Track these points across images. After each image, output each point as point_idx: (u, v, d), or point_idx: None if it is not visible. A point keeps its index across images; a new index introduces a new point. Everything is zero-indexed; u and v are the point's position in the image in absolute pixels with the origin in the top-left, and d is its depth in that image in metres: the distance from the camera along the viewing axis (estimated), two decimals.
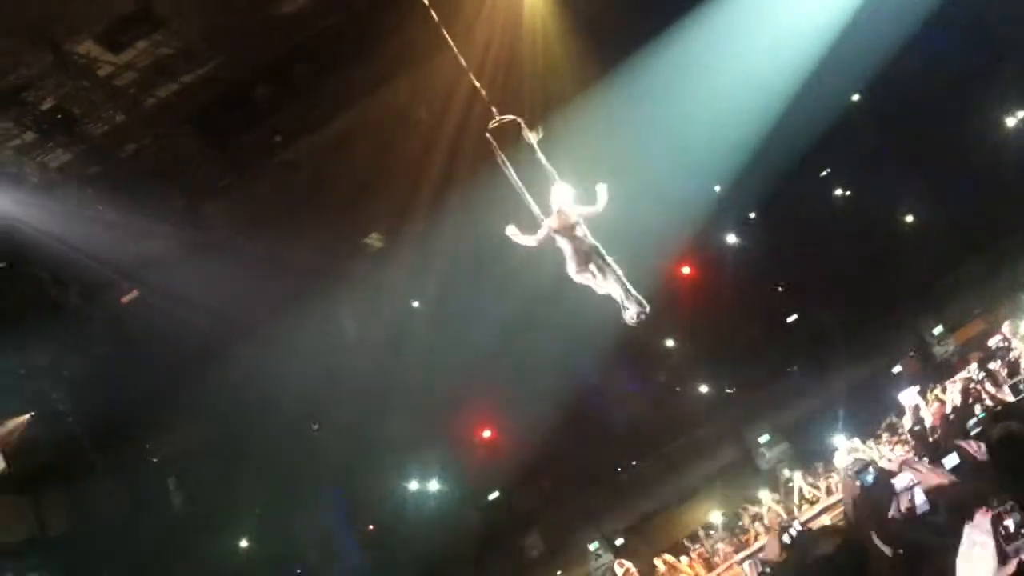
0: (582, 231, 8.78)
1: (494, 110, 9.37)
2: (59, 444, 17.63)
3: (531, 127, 9.55)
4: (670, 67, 18.31)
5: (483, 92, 9.94)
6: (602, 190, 8.84)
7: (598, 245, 8.81)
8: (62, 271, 15.73)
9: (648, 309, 8.50)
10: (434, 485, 21.96)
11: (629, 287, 8.49)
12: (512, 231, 8.82)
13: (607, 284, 8.75)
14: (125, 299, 17.31)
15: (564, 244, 8.80)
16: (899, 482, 6.68)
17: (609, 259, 8.71)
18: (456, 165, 17.71)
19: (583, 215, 8.77)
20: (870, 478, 6.88)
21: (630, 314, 8.63)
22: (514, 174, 9.15)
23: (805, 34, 18.95)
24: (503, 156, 9.07)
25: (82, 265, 15.51)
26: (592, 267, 8.77)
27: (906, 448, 12.95)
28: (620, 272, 8.57)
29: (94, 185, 15.46)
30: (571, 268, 8.81)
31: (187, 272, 16.62)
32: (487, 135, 9.20)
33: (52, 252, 14.98)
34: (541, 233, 8.82)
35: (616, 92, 18.48)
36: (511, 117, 9.33)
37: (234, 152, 16.80)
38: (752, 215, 22.79)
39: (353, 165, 17.82)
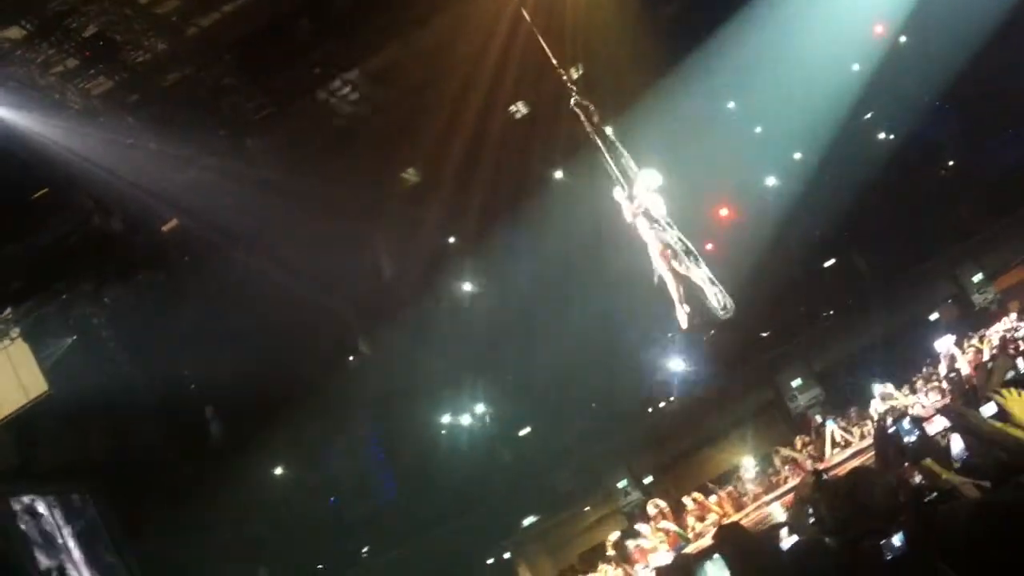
0: (662, 220, 8.82)
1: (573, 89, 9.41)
2: (100, 369, 17.95)
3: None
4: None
5: (564, 76, 9.93)
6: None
7: (682, 238, 8.83)
8: (105, 198, 15.87)
9: (731, 309, 8.56)
10: (467, 419, 22.16)
11: (713, 283, 8.53)
12: (621, 196, 8.90)
13: (688, 279, 8.80)
14: (166, 227, 17.48)
15: (644, 231, 8.87)
16: (932, 428, 6.69)
17: (693, 255, 8.75)
18: (496, 104, 17.68)
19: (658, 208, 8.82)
20: (907, 425, 6.85)
21: (686, 317, 8.69)
22: (603, 146, 9.22)
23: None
24: (597, 123, 9.11)
25: (124, 193, 15.62)
26: (670, 261, 8.81)
27: (941, 395, 12.94)
28: (703, 271, 8.60)
29: (135, 113, 15.52)
30: (653, 258, 8.86)
31: (227, 203, 16.72)
32: (573, 107, 9.26)
33: (95, 179, 15.12)
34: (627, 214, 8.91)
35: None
36: (585, 103, 9.38)
37: (275, 85, 16.78)
38: (797, 155, 22.53)
39: (393, 101, 17.79)
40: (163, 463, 18.81)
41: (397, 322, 20.10)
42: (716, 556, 3.67)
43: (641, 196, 8.95)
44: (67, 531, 17.33)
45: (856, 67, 21.25)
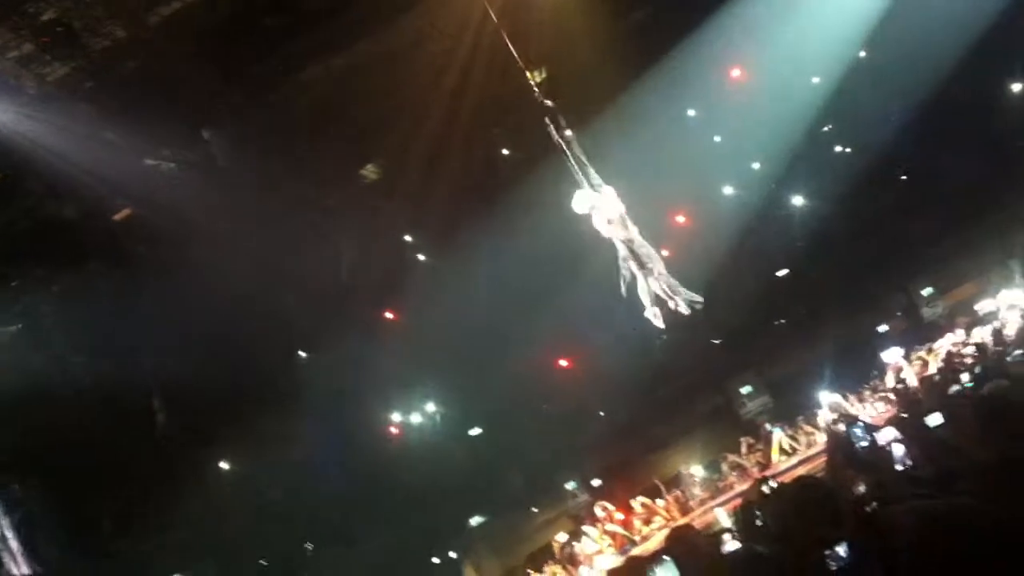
0: (631, 230, 8.97)
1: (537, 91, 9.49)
2: (47, 358, 17.69)
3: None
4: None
5: (532, 82, 10.01)
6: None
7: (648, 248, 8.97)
8: (58, 185, 15.65)
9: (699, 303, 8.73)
10: (417, 418, 22.13)
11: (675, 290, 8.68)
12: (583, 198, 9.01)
13: (651, 284, 8.94)
14: (119, 216, 17.27)
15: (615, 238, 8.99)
16: (882, 437, 6.81)
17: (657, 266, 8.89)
18: (462, 104, 17.69)
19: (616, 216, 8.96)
20: (859, 431, 6.98)
21: (656, 318, 8.85)
22: (570, 152, 9.32)
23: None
24: (564, 136, 9.20)
25: (78, 180, 15.40)
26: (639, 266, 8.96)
27: (887, 406, 13.16)
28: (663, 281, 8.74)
29: (92, 100, 15.31)
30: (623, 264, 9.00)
31: (183, 194, 16.57)
32: (546, 120, 9.35)
33: (48, 165, 14.88)
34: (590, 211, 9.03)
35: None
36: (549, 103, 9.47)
37: (237, 77, 16.66)
38: (755, 165, 22.78)
39: (357, 99, 17.71)
40: (108, 455, 18.54)
41: (352, 320, 20.01)
42: (666, 559, 3.70)
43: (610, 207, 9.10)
44: (5, 522, 17.05)
45: (816, 80, 21.50)
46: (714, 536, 6.93)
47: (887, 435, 6.78)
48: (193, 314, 17.75)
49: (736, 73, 21.66)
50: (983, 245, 21.03)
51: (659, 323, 9.17)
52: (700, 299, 9.04)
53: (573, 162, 9.64)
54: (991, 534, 3.98)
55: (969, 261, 21.45)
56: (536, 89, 9.85)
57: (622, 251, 9.20)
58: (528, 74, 10.15)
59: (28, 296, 17.32)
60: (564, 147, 9.64)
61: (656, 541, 12.54)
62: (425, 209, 20.65)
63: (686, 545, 5.25)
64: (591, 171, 9.58)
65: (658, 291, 9.12)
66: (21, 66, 14.31)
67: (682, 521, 14.17)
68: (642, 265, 9.13)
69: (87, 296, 17.34)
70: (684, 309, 9.06)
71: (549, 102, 9.72)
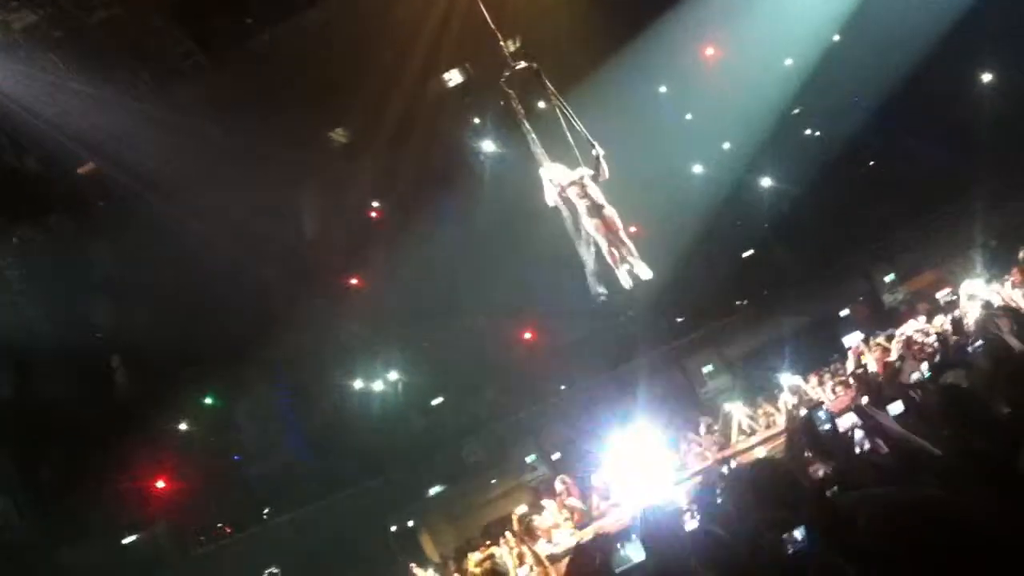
0: (592, 191, 8.94)
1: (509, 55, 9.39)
2: (5, 310, 17.47)
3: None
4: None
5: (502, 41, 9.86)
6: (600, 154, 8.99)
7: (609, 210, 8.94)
8: (21, 136, 15.40)
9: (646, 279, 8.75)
10: (379, 385, 22.08)
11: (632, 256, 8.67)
12: (546, 171, 8.97)
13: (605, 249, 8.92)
14: (83, 170, 17.02)
15: (576, 199, 8.96)
16: (843, 423, 6.86)
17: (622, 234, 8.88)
18: (431, 70, 17.55)
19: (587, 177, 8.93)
20: (822, 415, 7.03)
21: (597, 288, 8.85)
22: (528, 127, 9.25)
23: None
24: (520, 110, 9.13)
25: (41, 132, 15.17)
26: (597, 227, 8.92)
27: (847, 390, 13.25)
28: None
29: (59, 50, 15.02)
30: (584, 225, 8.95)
31: (148, 150, 16.36)
32: (502, 84, 9.26)
33: (11, 115, 14.66)
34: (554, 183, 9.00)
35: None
36: (525, 64, 9.39)
37: (205, 32, 16.40)
38: (725, 145, 22.84)
39: (326, 59, 17.50)
40: (63, 410, 18.38)
41: (316, 285, 19.89)
42: (633, 537, 3.70)
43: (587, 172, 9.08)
44: None
45: (789, 62, 21.54)
46: (675, 514, 6.93)
47: (848, 421, 6.82)
48: (153, 273, 17.60)
49: (710, 52, 21.64)
50: (946, 234, 21.20)
51: (600, 289, 9.18)
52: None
53: (533, 136, 9.59)
54: (954, 524, 4.01)
55: (931, 249, 21.64)
56: (508, 55, 9.73)
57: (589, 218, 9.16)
58: (501, 41, 10.01)
59: None
60: (526, 124, 9.59)
61: (615, 517, 12.59)
62: (391, 176, 20.53)
63: (652, 523, 5.27)
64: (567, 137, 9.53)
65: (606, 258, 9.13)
66: None
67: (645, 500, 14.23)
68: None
69: (48, 249, 17.13)
70: (627, 282, 9.08)
71: (524, 63, 9.62)
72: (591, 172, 9.28)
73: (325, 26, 16.98)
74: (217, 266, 18.13)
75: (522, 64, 9.49)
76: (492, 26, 10.11)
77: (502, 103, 9.69)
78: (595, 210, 9.09)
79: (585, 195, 9.13)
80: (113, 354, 19.93)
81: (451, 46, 16.60)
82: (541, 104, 10.33)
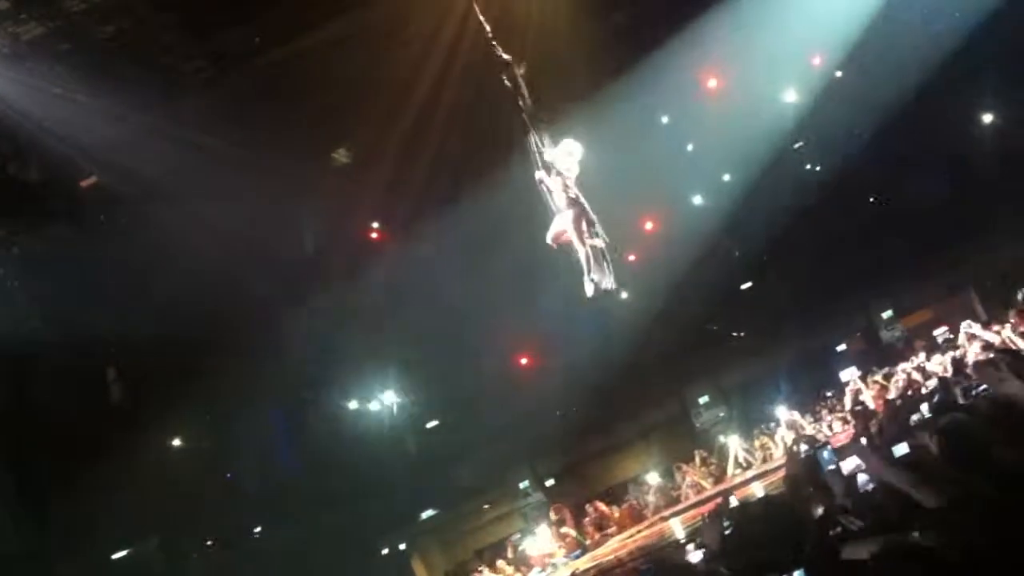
0: (572, 190, 8.89)
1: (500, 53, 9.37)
2: (4, 321, 17.43)
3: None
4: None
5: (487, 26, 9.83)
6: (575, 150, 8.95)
7: (589, 211, 8.92)
8: (24, 147, 15.39)
9: (615, 289, 8.71)
10: (376, 407, 22.02)
11: (607, 261, 8.64)
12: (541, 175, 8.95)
13: (587, 250, 8.89)
14: (86, 183, 17.01)
15: (558, 194, 8.93)
16: (847, 465, 6.85)
17: (597, 227, 8.84)
18: (438, 90, 17.57)
19: (568, 172, 8.88)
20: (826, 455, 7.01)
21: (591, 286, 8.81)
22: (527, 119, 9.23)
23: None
24: (523, 94, 9.12)
25: (45, 143, 15.19)
26: (581, 228, 8.91)
27: (845, 426, 13.26)
28: (603, 243, 8.70)
29: (66, 62, 15.04)
30: (565, 225, 8.92)
31: (152, 164, 16.36)
32: (504, 78, 9.26)
33: (15, 126, 14.66)
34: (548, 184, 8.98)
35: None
36: (507, 57, 9.35)
37: (215, 48, 16.44)
38: (725, 177, 22.91)
39: (333, 78, 17.56)
40: (61, 422, 18.31)
41: (315, 302, 19.86)
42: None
43: (560, 162, 9.02)
44: None
45: (791, 97, 21.65)
46: (680, 548, 6.91)
47: (852, 463, 6.81)
48: (155, 286, 17.58)
49: (712, 84, 21.74)
50: (944, 272, 21.27)
51: (590, 291, 9.11)
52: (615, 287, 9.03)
53: (534, 133, 9.54)
54: (955, 572, 4.00)
55: (929, 287, 21.70)
56: (494, 43, 9.72)
57: (567, 213, 9.11)
58: (486, 26, 9.97)
59: None
60: (526, 118, 9.53)
61: (611, 548, 12.56)
62: (394, 197, 20.56)
63: (663, 560, 5.26)
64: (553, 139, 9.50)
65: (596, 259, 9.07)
66: None
67: (635, 529, 14.21)
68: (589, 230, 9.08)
69: (49, 261, 17.11)
70: (592, 289, 9.02)
71: (507, 56, 9.62)
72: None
73: (333, 46, 17.04)
74: (217, 281, 18.12)
75: (505, 56, 9.44)
76: (486, 25, 10.08)
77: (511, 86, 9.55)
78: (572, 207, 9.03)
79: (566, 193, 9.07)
80: (109, 367, 19.87)
81: (462, 63, 16.60)
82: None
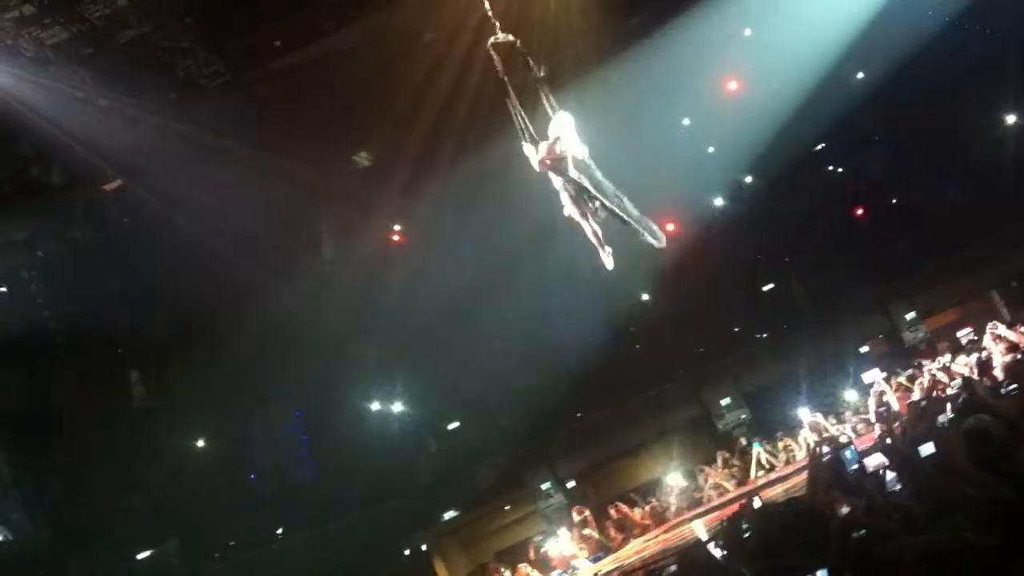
0: (573, 171, 8.74)
1: (497, 25, 9.19)
2: (25, 323, 17.56)
3: (536, 63, 9.46)
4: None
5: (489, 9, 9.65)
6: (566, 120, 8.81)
7: (588, 187, 8.77)
8: (48, 150, 15.54)
9: (663, 241, 8.54)
10: (397, 408, 22.02)
11: (632, 221, 8.47)
12: (529, 150, 8.82)
13: (593, 226, 8.76)
14: (108, 187, 17.14)
15: (554, 178, 8.80)
16: (871, 462, 6.80)
17: (600, 199, 8.68)
18: (455, 94, 17.57)
19: (569, 153, 8.73)
20: (849, 455, 6.95)
21: (609, 259, 8.68)
22: (513, 94, 9.08)
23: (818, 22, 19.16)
24: (503, 69, 8.96)
25: (68, 147, 15.33)
26: (583, 207, 8.78)
27: (869, 428, 13.17)
28: (618, 208, 8.54)
29: (88, 67, 15.17)
30: (565, 203, 8.84)
31: (172, 167, 16.49)
32: (489, 48, 9.07)
33: (39, 130, 14.82)
34: (534, 161, 8.84)
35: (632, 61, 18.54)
36: (512, 38, 9.19)
37: (233, 53, 16.53)
38: (747, 179, 22.84)
39: (352, 81, 17.61)
40: (81, 423, 18.43)
41: (335, 304, 19.90)
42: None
43: (557, 139, 8.87)
44: None
45: (812, 98, 21.53)
46: (704, 547, 6.87)
47: (876, 460, 6.76)
48: (176, 289, 17.68)
49: (733, 85, 21.68)
50: (967, 272, 21.10)
51: (609, 263, 8.93)
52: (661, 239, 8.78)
53: (518, 108, 9.34)
54: (989, 572, 3.95)
55: (952, 288, 21.52)
56: (495, 23, 9.54)
57: (559, 185, 8.94)
58: (488, 9, 9.78)
59: (10, 259, 17.21)
60: (510, 90, 9.35)
61: (633, 550, 12.52)
62: (413, 199, 20.59)
63: (698, 564, 5.23)
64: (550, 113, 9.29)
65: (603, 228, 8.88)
66: (20, 27, 14.16)
67: (658, 531, 14.16)
68: (591, 203, 8.88)
69: (72, 263, 17.26)
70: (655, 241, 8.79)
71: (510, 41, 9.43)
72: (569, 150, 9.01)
73: (352, 51, 17.10)
74: (236, 285, 18.20)
75: (508, 37, 9.28)
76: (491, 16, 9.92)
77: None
78: (571, 188, 8.88)
79: (560, 163, 8.90)
80: (132, 368, 19.99)
81: (480, 65, 16.58)
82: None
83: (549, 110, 9.03)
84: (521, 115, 9.13)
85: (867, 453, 7.05)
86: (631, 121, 19.48)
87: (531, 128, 9.15)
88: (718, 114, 21.54)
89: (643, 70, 19.26)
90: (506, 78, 9.07)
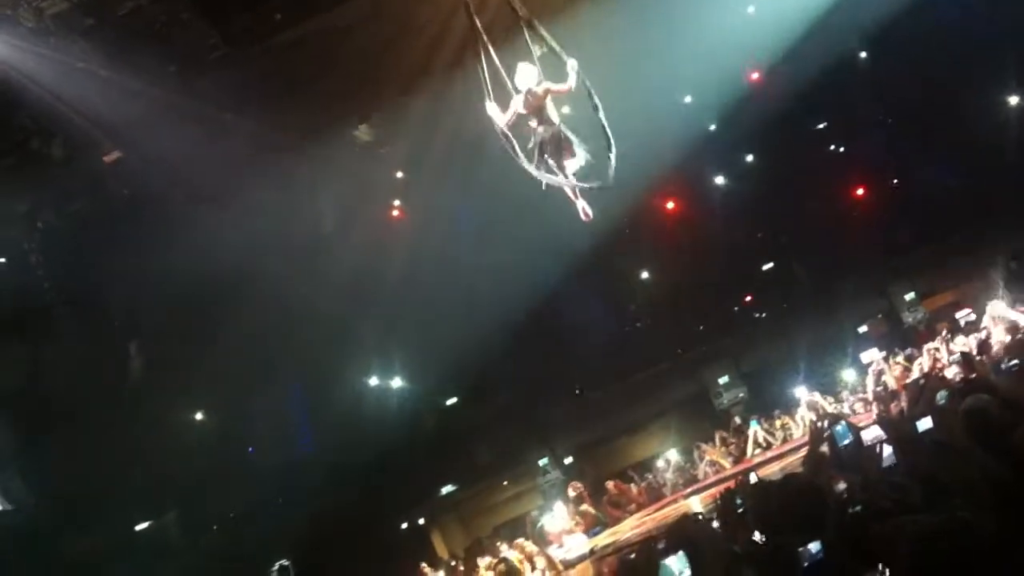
0: (552, 113, 8.69)
1: None
2: (24, 295, 17.56)
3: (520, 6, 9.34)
4: None
5: None
6: (572, 66, 8.77)
7: (566, 131, 8.72)
8: (48, 122, 15.46)
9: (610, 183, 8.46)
10: (396, 383, 22.05)
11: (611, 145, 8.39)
12: (492, 108, 8.76)
13: (566, 175, 8.68)
14: (108, 158, 17.08)
15: (533, 125, 8.73)
16: (867, 435, 6.80)
17: (575, 141, 8.61)
18: (458, 70, 17.50)
19: (551, 91, 8.68)
20: (841, 429, 6.97)
21: (586, 210, 8.62)
22: (490, 47, 9.03)
23: None
24: (480, 27, 8.92)
25: (68, 119, 15.26)
26: (556, 156, 8.70)
27: (867, 407, 13.19)
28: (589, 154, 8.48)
29: (88, 38, 15.07)
30: (533, 157, 8.74)
31: (172, 140, 16.38)
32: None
33: (39, 101, 14.73)
34: (510, 112, 8.78)
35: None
36: None
37: (233, 25, 16.42)
38: (749, 158, 22.81)
39: (353, 56, 17.52)
40: (79, 395, 18.43)
41: (334, 278, 19.90)
42: (680, 552, 3.68)
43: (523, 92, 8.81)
44: None
45: (814, 79, 21.47)
46: (700, 520, 6.92)
47: (872, 434, 6.76)
48: (176, 262, 17.64)
49: (736, 63, 21.55)
50: (966, 253, 21.09)
51: (587, 215, 8.88)
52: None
53: (486, 66, 9.23)
54: (990, 553, 3.96)
55: (951, 268, 21.53)
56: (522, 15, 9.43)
57: (537, 135, 8.88)
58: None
59: (9, 232, 17.18)
60: (483, 48, 9.25)
61: (629, 525, 12.59)
62: (413, 174, 20.57)
63: (695, 536, 5.25)
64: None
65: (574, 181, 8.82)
66: None
67: (653, 508, 14.22)
68: (558, 153, 8.81)
69: (72, 236, 17.23)
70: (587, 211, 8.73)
71: None
72: (554, 84, 8.94)
73: (354, 23, 16.99)
74: (236, 258, 18.19)
75: None
76: None
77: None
78: (546, 130, 8.80)
79: (539, 112, 8.83)
80: (131, 341, 19.99)
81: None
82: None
83: (535, 51, 8.98)
84: (486, 72, 9.07)
85: (864, 427, 7.06)
86: (632, 98, 19.38)
87: (511, 81, 9.09)
88: (720, 91, 21.45)
89: (643, 44, 19.16)
90: (480, 28, 9.02)
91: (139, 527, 19.32)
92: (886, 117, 22.62)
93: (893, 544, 4.45)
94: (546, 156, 8.83)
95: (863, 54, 21.61)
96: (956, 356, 11.28)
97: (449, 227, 21.16)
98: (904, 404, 10.00)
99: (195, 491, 19.80)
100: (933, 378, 10.06)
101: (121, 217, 17.67)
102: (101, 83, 15.09)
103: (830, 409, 14.06)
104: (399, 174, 21.11)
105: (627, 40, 18.67)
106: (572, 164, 8.95)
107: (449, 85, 17.62)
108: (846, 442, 7.05)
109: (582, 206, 8.88)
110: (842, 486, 6.67)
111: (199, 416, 20.90)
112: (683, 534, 5.28)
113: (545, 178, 8.89)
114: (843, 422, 7.31)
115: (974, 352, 11.28)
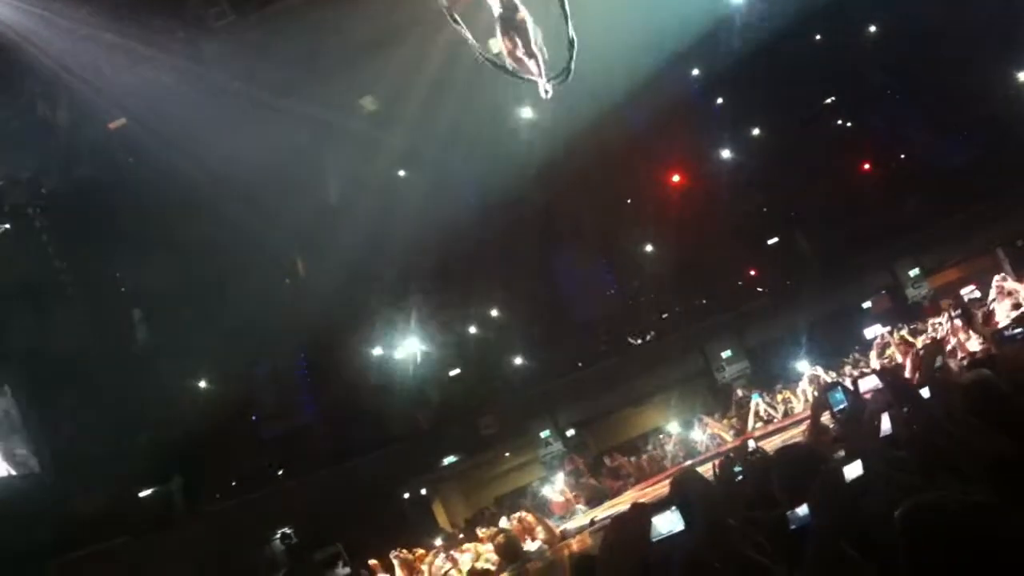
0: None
1: None
2: (30, 261, 17.59)
3: None
4: None
5: None
6: None
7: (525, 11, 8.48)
8: (53, 88, 15.46)
9: (569, 77, 8.25)
10: (399, 354, 22.09)
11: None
12: None
13: (527, 57, 8.42)
14: (113, 125, 17.06)
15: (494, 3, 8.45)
16: (864, 384, 6.73)
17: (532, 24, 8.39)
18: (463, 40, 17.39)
19: None
20: (838, 394, 6.93)
21: (545, 87, 8.34)
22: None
23: None
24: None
25: (73, 85, 15.24)
26: (515, 37, 8.43)
27: None
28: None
29: (93, 4, 15.03)
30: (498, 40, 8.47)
31: (178, 108, 16.36)
32: None
33: (44, 67, 14.71)
34: None
35: None
36: None
37: None
38: (755, 131, 22.71)
39: (359, 24, 17.43)
40: (86, 362, 18.50)
41: (338, 249, 19.90)
42: (673, 508, 3.67)
43: None
44: None
45: (824, 53, 21.37)
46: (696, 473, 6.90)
47: (870, 383, 6.69)
48: (181, 230, 17.66)
49: (739, 42, 21.35)
50: (972, 230, 21.05)
51: (547, 92, 8.62)
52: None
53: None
54: (984, 529, 3.95)
55: (957, 245, 21.50)
56: None
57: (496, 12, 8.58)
58: None
59: (15, 198, 17.19)
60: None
61: (629, 498, 12.59)
62: (420, 144, 20.52)
63: (691, 490, 5.25)
64: None
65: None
66: None
67: (654, 480, 14.24)
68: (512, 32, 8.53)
69: (77, 202, 17.23)
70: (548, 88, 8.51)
71: None
72: None
73: None
74: (241, 226, 18.20)
75: None
76: None
77: None
78: (507, 23, 8.52)
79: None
80: (135, 308, 20.04)
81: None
82: None
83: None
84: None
85: (861, 378, 7.04)
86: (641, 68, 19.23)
87: None
88: (726, 66, 21.33)
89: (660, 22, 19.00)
90: None
91: (144, 493, 19.41)
92: (894, 92, 22.49)
93: (887, 517, 4.45)
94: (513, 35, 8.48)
95: (872, 28, 21.46)
96: (960, 332, 11.22)
97: (457, 195, 21.07)
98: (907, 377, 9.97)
99: (200, 458, 19.89)
100: (933, 344, 10.03)
101: (126, 184, 17.68)
102: (108, 49, 15.04)
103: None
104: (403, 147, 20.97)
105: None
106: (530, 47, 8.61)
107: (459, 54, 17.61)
108: (842, 406, 7.00)
109: (543, 84, 8.53)
110: (840, 454, 6.66)
111: (204, 383, 20.95)
112: (679, 489, 5.28)
113: (504, 61, 8.57)
114: (839, 387, 7.27)
115: (979, 321, 11.27)
